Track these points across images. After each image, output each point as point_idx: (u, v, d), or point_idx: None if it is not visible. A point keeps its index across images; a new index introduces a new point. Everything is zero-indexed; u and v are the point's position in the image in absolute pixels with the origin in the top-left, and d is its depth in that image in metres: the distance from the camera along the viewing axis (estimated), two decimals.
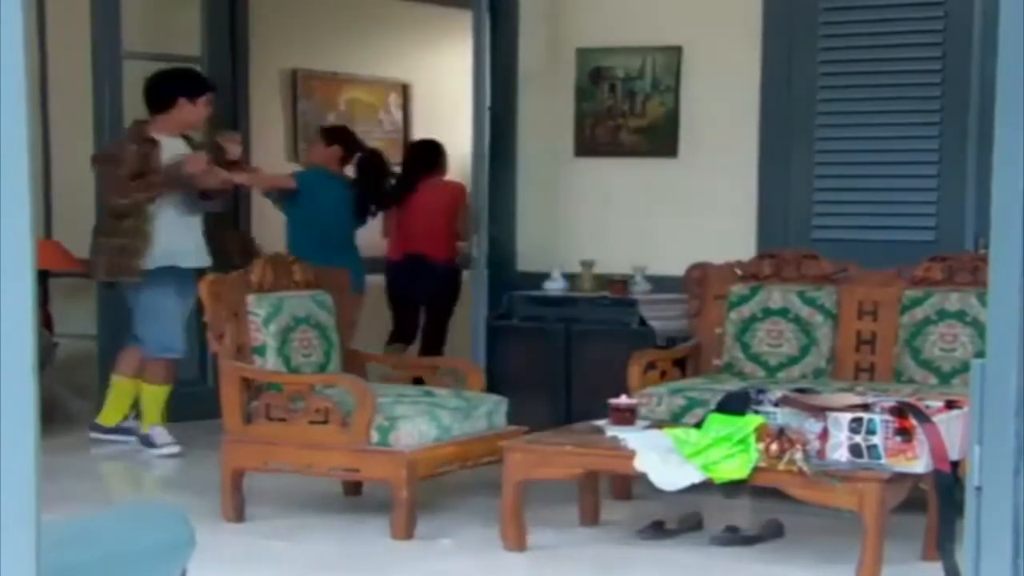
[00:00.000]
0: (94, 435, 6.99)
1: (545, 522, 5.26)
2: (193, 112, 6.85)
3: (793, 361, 6.17)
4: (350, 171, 7.96)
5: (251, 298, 5.60)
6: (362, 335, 6.62)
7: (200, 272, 6.76)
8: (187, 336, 7.01)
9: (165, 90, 6.81)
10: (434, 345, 8.28)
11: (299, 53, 9.28)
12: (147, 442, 6.84)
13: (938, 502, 4.50)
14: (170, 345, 6.79)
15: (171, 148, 6.73)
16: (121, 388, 6.97)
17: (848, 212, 6.92)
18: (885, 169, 6.81)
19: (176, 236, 6.74)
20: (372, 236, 8.24)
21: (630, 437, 4.95)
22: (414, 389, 5.80)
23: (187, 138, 6.91)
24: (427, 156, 8.28)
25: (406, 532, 5.17)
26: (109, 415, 7.02)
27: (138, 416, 7.01)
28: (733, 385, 5.63)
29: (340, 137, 7.97)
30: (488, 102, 7.49)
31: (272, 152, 8.07)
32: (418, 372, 6.28)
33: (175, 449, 6.81)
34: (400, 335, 8.34)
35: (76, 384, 7.78)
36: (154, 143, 6.69)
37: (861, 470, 4.50)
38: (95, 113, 7.27)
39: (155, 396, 6.84)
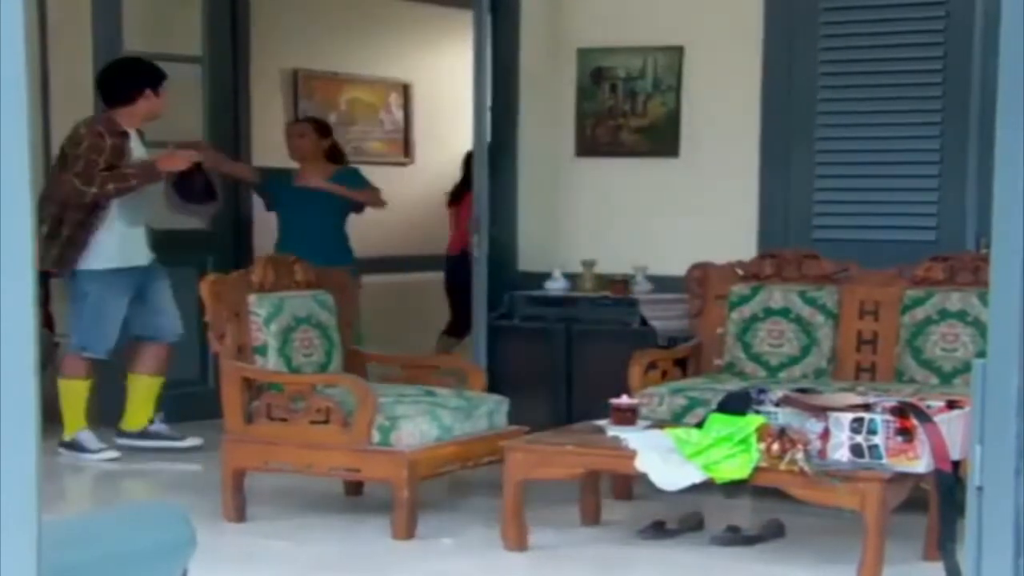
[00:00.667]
0: (123, 442, 6.79)
1: (546, 522, 5.26)
2: (157, 104, 6.70)
3: (794, 361, 6.17)
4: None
5: (252, 298, 5.60)
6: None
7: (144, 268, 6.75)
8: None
9: (129, 82, 6.64)
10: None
11: (300, 53, 9.27)
12: (78, 447, 6.64)
13: (939, 502, 4.50)
14: (99, 346, 6.65)
15: (133, 142, 6.66)
16: (144, 386, 6.83)
17: (849, 212, 6.92)
18: (886, 169, 6.81)
19: (131, 235, 6.67)
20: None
21: (631, 437, 4.95)
22: (415, 389, 5.79)
23: (139, 132, 6.78)
24: None
25: (407, 532, 5.17)
26: (135, 418, 6.86)
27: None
28: (734, 385, 5.63)
29: (330, 131, 7.95)
30: (489, 102, 7.49)
31: (272, 152, 8.05)
32: (418, 373, 6.23)
33: (114, 454, 6.65)
34: (455, 328, 8.64)
35: None
36: (127, 136, 6.59)
37: (862, 470, 4.50)
38: (96, 112, 7.25)
39: (79, 392, 6.66)
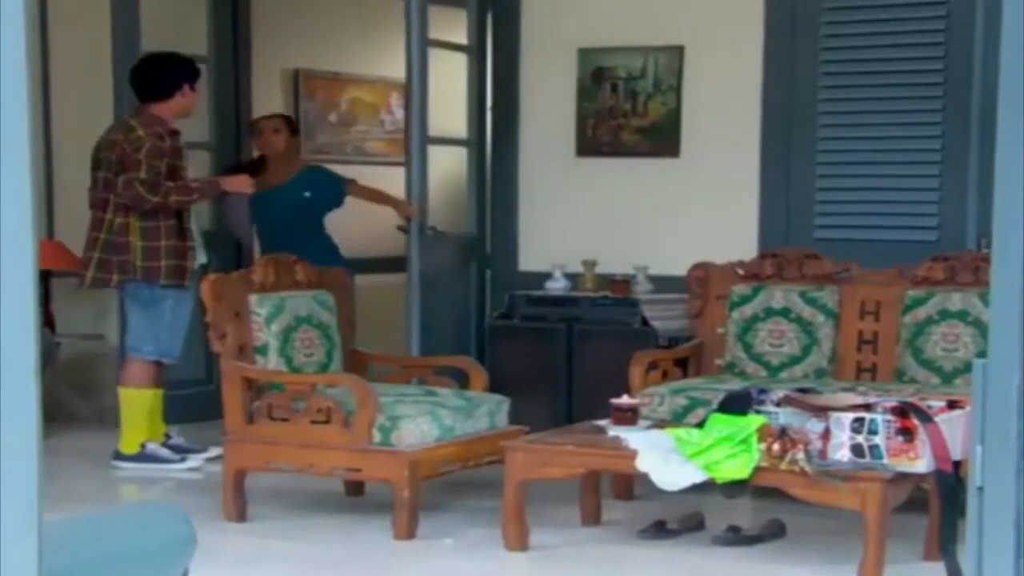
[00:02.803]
0: (123, 465, 6.51)
1: (547, 522, 5.26)
2: (192, 99, 6.56)
3: (795, 361, 6.17)
4: None
5: (253, 298, 5.60)
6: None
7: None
8: (191, 338, 6.92)
9: (168, 76, 6.46)
10: None
11: (301, 53, 9.27)
12: (151, 459, 6.44)
13: (940, 502, 4.50)
14: (175, 351, 6.52)
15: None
16: (140, 400, 6.52)
17: (850, 212, 6.93)
18: (887, 169, 6.81)
19: (198, 236, 6.57)
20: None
21: (632, 437, 4.95)
22: (416, 388, 5.80)
23: None
24: None
25: (408, 532, 5.17)
26: (137, 435, 6.52)
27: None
28: (735, 385, 5.63)
29: (299, 128, 7.89)
30: (489, 102, 7.49)
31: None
32: (419, 372, 6.23)
33: (196, 462, 6.48)
34: None
35: (78, 384, 7.77)
36: (179, 134, 6.42)
37: (863, 470, 4.50)
38: (115, 112, 7.14)
39: (147, 402, 6.48)
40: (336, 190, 7.53)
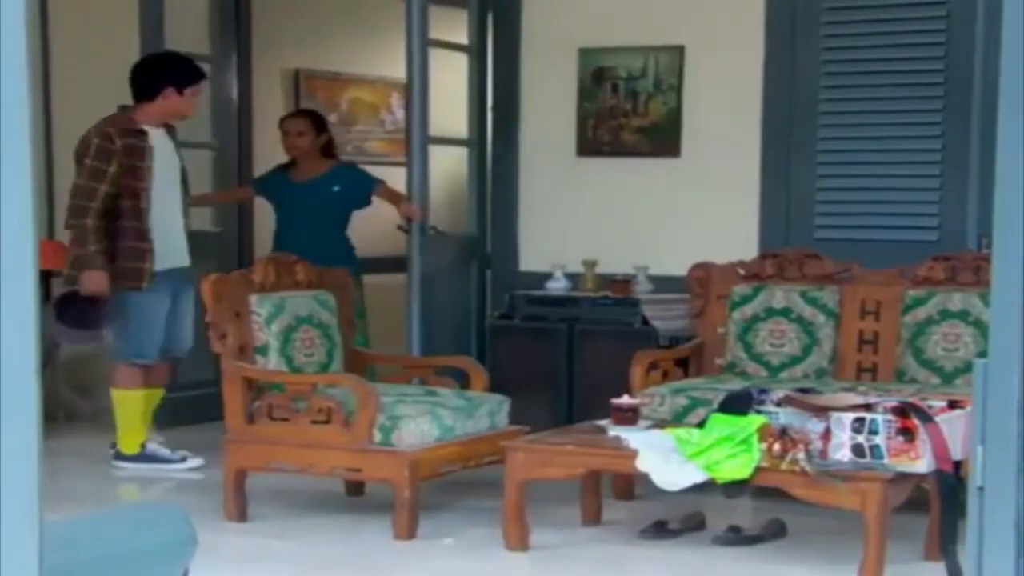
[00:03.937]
0: (123, 465, 6.52)
1: (547, 522, 5.26)
2: (180, 103, 6.48)
3: (795, 361, 6.17)
4: None
5: (253, 298, 5.60)
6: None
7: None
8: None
9: (151, 77, 6.44)
10: None
11: (301, 53, 9.27)
12: (151, 459, 6.47)
13: (940, 502, 4.50)
14: (146, 351, 6.44)
15: (155, 139, 6.44)
16: (133, 401, 6.52)
17: (851, 212, 6.93)
18: (888, 168, 6.81)
19: (172, 236, 6.50)
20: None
21: (632, 437, 4.95)
22: (416, 388, 5.80)
23: (169, 128, 6.56)
24: None
25: (408, 532, 5.17)
26: (134, 436, 6.54)
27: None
28: (735, 385, 5.63)
29: (326, 126, 7.76)
30: (490, 102, 7.48)
31: (274, 153, 8.04)
32: (419, 372, 6.22)
33: (198, 461, 6.46)
34: None
35: (78, 384, 7.77)
36: (144, 134, 6.37)
37: (863, 470, 4.50)
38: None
39: (137, 402, 6.46)
40: (365, 188, 7.50)
